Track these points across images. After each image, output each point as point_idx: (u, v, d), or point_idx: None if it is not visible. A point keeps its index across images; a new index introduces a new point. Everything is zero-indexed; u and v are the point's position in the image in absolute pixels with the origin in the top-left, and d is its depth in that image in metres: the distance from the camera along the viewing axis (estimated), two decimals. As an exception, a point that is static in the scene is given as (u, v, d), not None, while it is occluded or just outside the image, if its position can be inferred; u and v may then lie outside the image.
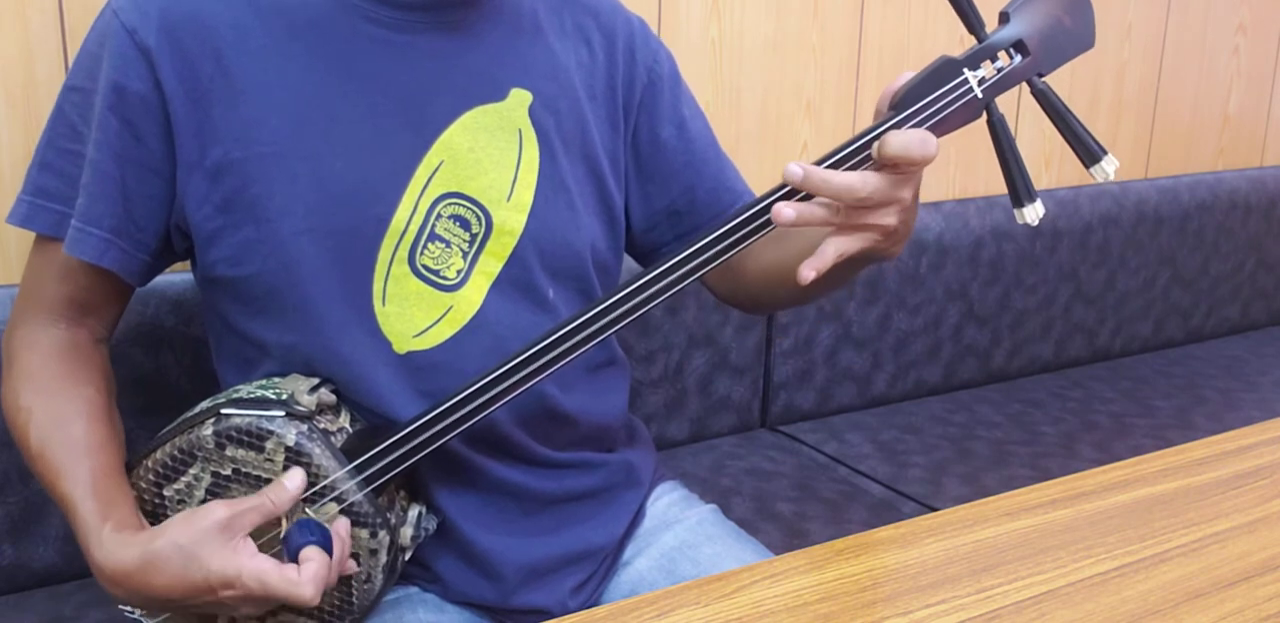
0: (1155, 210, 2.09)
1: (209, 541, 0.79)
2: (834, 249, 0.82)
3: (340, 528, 0.85)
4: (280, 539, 0.84)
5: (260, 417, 0.85)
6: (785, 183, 0.80)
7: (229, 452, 0.85)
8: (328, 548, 0.82)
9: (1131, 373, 2.05)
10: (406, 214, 0.90)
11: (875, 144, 0.79)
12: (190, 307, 1.24)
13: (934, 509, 1.45)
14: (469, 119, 0.93)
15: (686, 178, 1.07)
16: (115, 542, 0.81)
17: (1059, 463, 1.63)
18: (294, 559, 0.80)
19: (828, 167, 0.80)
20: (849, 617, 0.74)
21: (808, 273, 0.80)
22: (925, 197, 1.88)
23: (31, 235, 0.95)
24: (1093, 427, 1.77)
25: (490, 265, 0.94)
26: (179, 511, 0.87)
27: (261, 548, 0.82)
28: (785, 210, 0.78)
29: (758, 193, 1.13)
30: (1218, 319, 2.28)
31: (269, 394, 0.87)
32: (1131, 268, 2.09)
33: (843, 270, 0.95)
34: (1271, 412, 1.85)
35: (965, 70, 0.82)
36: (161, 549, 0.79)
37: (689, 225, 1.08)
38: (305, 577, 0.79)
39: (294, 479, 0.84)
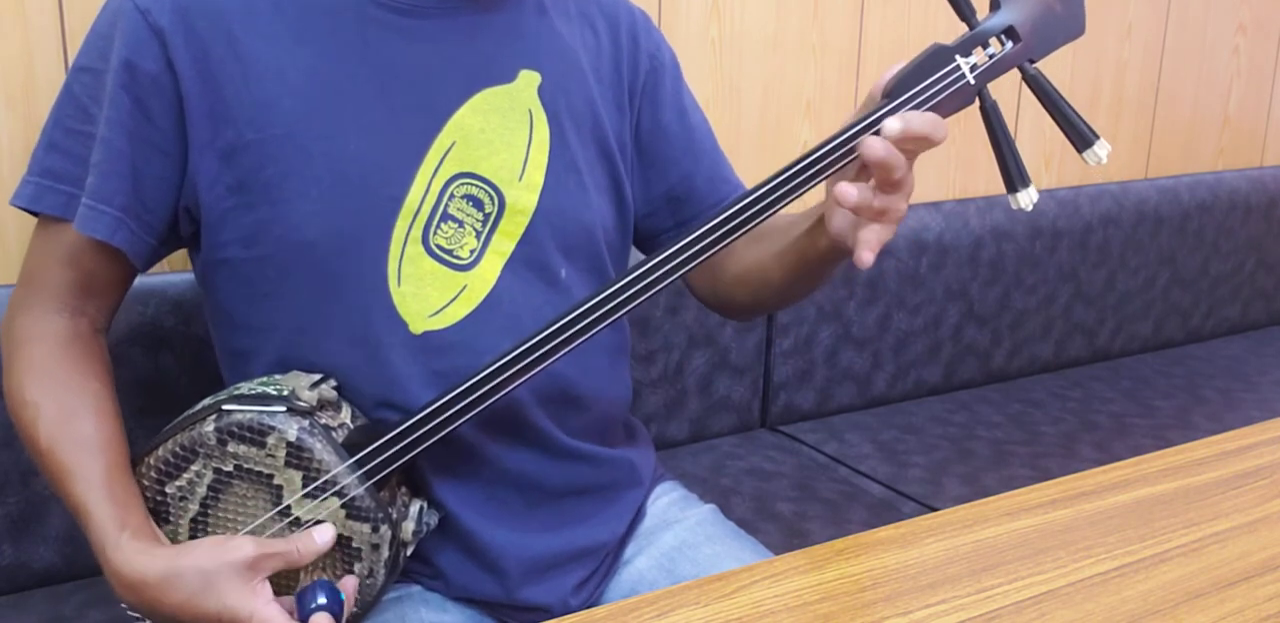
0: (1155, 210, 2.09)
1: (232, 575, 0.80)
2: (875, 237, 0.82)
3: (348, 587, 0.86)
4: (294, 593, 0.85)
5: (261, 413, 0.85)
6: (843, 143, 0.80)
7: (231, 448, 0.85)
8: (338, 615, 0.83)
9: (1131, 373, 2.05)
10: (420, 194, 0.90)
11: (893, 123, 0.79)
12: (190, 307, 1.24)
13: (934, 509, 1.45)
14: (479, 100, 0.94)
15: (686, 165, 1.08)
16: (135, 550, 0.81)
17: (1059, 463, 1.63)
18: (304, 617, 0.82)
19: (825, 153, 0.81)
20: (849, 617, 0.74)
21: (869, 256, 0.82)
22: (925, 196, 1.88)
23: (28, 233, 0.95)
24: (1093, 427, 1.77)
25: (503, 245, 0.94)
26: (181, 507, 0.87)
27: (272, 585, 0.83)
28: (850, 190, 0.79)
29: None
30: (1217, 319, 2.28)
31: (270, 391, 0.88)
32: (1131, 268, 2.09)
33: (820, 270, 0.95)
34: (1271, 412, 1.85)
35: (957, 57, 0.83)
36: (184, 569, 0.80)
37: (688, 213, 1.09)
38: None
39: (324, 534, 0.85)
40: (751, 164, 1.71)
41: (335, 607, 0.83)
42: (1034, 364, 2.02)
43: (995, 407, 1.85)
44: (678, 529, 1.07)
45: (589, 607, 1.00)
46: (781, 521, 1.44)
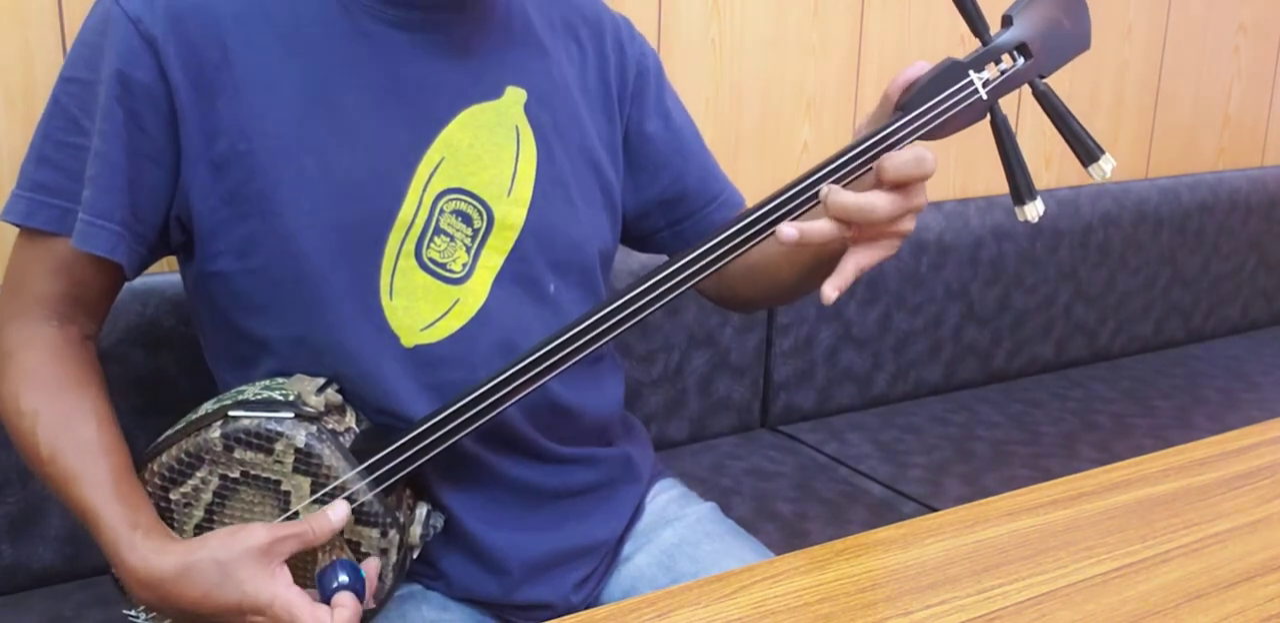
0: (1155, 210, 2.09)
1: (248, 562, 0.79)
2: (853, 265, 0.82)
3: (370, 568, 0.86)
4: (315, 574, 0.84)
5: (269, 419, 0.85)
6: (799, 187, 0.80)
7: (237, 454, 0.85)
8: (361, 593, 0.82)
9: (1132, 373, 2.05)
10: (412, 208, 0.90)
11: (875, 170, 0.80)
12: (190, 307, 1.24)
13: (934, 510, 1.45)
14: (467, 116, 0.93)
15: (676, 167, 1.09)
16: (149, 548, 0.81)
17: (1059, 463, 1.63)
18: (325, 598, 0.81)
19: (839, 166, 0.81)
20: (849, 617, 0.74)
21: (831, 293, 0.80)
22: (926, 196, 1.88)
23: (10, 236, 0.93)
24: (1093, 427, 1.77)
25: (492, 260, 0.94)
26: (186, 514, 0.87)
27: (291, 569, 0.83)
28: (787, 230, 0.79)
29: (748, 194, 1.15)
30: (1218, 319, 2.28)
31: (276, 396, 0.87)
32: (1132, 268, 2.09)
33: (830, 270, 0.96)
34: (1272, 412, 1.85)
35: (970, 72, 0.83)
36: (200, 562, 0.79)
37: (682, 213, 1.10)
38: (336, 622, 0.79)
39: (338, 511, 0.84)
40: (751, 164, 1.71)
41: (358, 585, 0.82)
42: (1034, 364, 2.02)
43: (995, 407, 1.85)
44: (677, 527, 1.07)
45: (590, 603, 1.00)
46: (781, 521, 1.43)
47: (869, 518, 1.45)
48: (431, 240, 0.91)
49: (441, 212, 0.91)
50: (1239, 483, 0.95)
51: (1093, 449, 1.68)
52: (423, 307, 0.91)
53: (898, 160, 0.79)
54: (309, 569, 0.86)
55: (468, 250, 0.93)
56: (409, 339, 0.91)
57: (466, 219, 0.92)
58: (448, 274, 0.92)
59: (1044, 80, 0.86)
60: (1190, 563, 0.82)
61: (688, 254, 0.83)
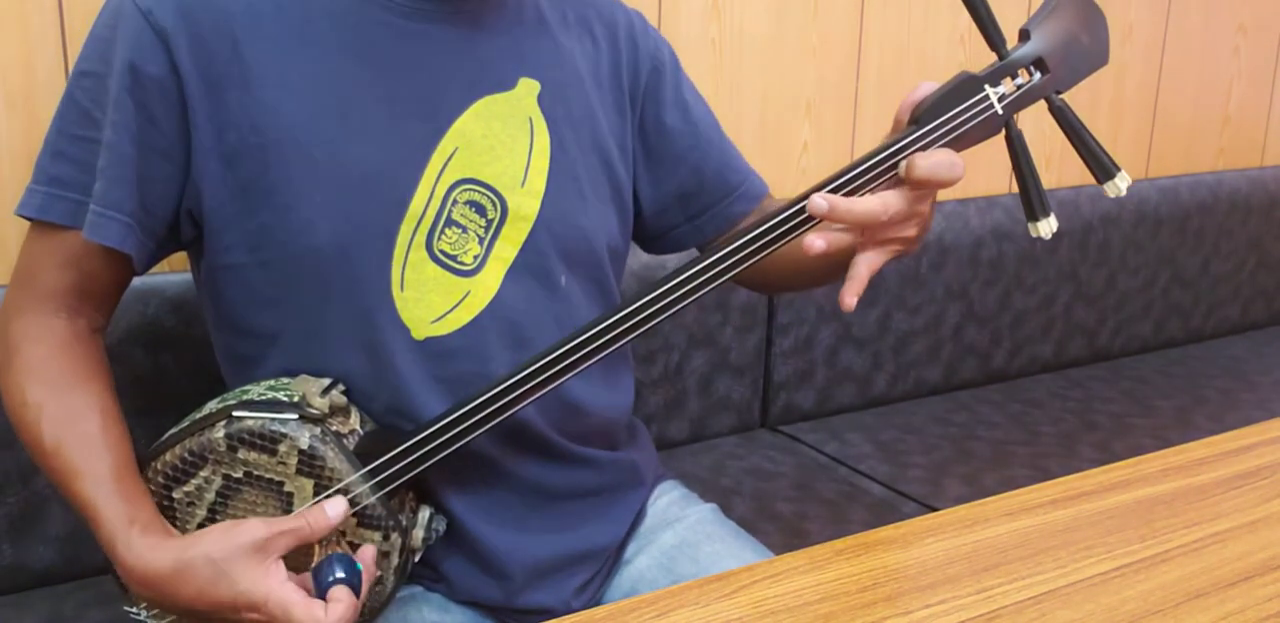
0: (1155, 210, 2.09)
1: (242, 559, 0.79)
2: (865, 268, 0.84)
3: (366, 557, 0.85)
4: (310, 569, 0.84)
5: (273, 419, 0.84)
6: (808, 211, 0.81)
7: (241, 454, 0.85)
8: (357, 588, 0.81)
9: (1132, 373, 2.05)
10: (424, 199, 0.90)
11: (903, 165, 0.81)
12: (190, 307, 1.24)
13: (934, 509, 1.45)
14: (481, 107, 0.93)
15: (693, 160, 1.09)
16: (145, 545, 0.81)
17: (1059, 463, 1.63)
18: (321, 593, 0.80)
19: (850, 179, 0.82)
20: (849, 617, 0.74)
21: (851, 300, 0.83)
22: (925, 197, 1.88)
23: (22, 230, 0.93)
24: (1093, 427, 1.77)
25: (505, 251, 0.94)
26: (189, 513, 0.87)
27: (288, 564, 0.82)
28: (817, 242, 0.80)
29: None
30: (1218, 319, 2.28)
31: (280, 396, 0.87)
32: (1132, 268, 2.09)
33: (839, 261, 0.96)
34: (1272, 412, 1.85)
35: (986, 87, 0.83)
36: (194, 560, 0.79)
37: (699, 207, 1.10)
38: (332, 618, 0.78)
39: (335, 507, 0.83)
40: (751, 164, 1.71)
41: (354, 579, 0.81)
42: (1034, 364, 2.02)
43: (995, 407, 1.85)
44: (678, 528, 1.07)
45: (590, 608, 1.00)
46: (781, 521, 1.43)
47: (869, 518, 1.45)
48: (443, 232, 0.91)
49: (455, 202, 0.91)
50: (1238, 483, 0.96)
51: (1093, 449, 1.68)
52: (433, 299, 0.91)
53: (932, 159, 0.80)
54: (307, 561, 0.86)
55: (480, 242, 0.93)
56: (420, 331, 0.91)
57: (480, 210, 0.92)
58: (458, 266, 0.92)
59: (1060, 95, 0.86)
60: (1190, 563, 0.82)
61: (704, 259, 0.84)
